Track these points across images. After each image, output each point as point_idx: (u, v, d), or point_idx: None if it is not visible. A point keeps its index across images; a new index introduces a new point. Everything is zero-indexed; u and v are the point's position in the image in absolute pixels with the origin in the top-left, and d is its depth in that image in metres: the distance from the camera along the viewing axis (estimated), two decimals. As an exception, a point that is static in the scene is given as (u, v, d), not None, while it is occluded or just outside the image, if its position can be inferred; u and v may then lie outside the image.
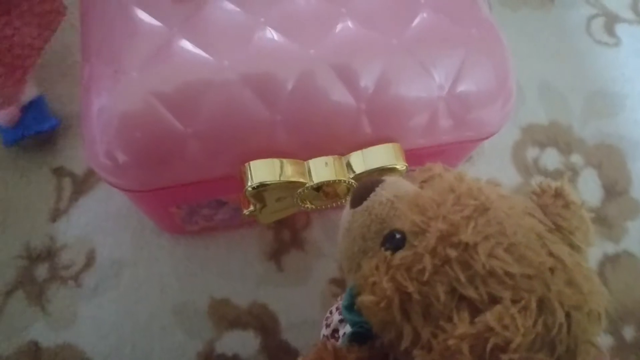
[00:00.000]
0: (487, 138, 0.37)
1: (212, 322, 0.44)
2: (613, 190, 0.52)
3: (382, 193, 0.25)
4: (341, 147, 0.33)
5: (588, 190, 0.52)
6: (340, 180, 0.33)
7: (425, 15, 0.34)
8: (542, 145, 0.54)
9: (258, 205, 0.35)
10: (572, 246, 0.23)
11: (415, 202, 0.24)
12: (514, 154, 0.53)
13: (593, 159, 0.53)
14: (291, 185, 0.33)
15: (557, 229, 0.23)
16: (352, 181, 0.33)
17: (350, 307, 0.25)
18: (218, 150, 0.32)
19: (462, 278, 0.21)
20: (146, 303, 0.45)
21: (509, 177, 0.52)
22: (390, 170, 0.33)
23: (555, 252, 0.21)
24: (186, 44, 0.31)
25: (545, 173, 0.52)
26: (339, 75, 0.32)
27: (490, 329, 0.19)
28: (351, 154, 0.34)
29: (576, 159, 0.53)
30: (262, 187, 0.32)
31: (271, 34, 0.32)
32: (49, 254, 0.46)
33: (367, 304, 0.23)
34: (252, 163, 0.32)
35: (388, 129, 0.34)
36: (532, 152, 0.53)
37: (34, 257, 0.45)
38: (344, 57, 0.32)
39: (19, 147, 0.49)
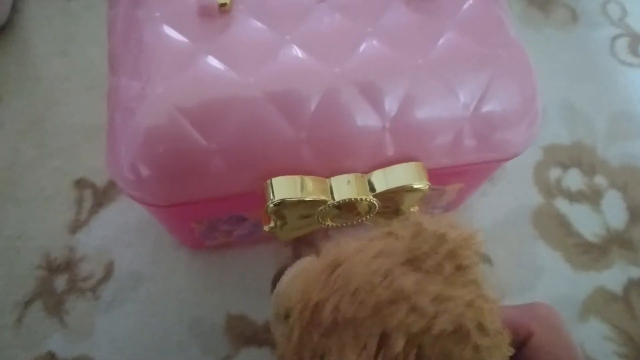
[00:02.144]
0: (511, 158, 0.36)
1: (229, 338, 0.44)
2: (638, 212, 0.51)
3: (283, 279, 0.28)
4: (363, 165, 0.33)
5: (612, 212, 0.51)
6: (361, 199, 0.33)
7: (450, 35, 0.33)
8: (565, 166, 0.53)
9: (279, 222, 0.34)
10: (428, 269, 0.22)
11: (297, 284, 0.24)
12: (535, 174, 0.52)
13: (618, 181, 0.52)
14: (312, 203, 0.32)
15: (414, 258, 0.22)
16: (374, 199, 0.33)
17: None
18: (241, 166, 0.32)
19: (315, 338, 0.21)
20: (163, 317, 0.45)
21: (530, 197, 0.52)
22: (413, 189, 0.33)
23: (397, 285, 0.21)
24: (212, 61, 0.31)
25: (568, 194, 0.52)
26: (363, 93, 0.32)
27: None
28: (373, 172, 0.33)
29: (600, 180, 0.52)
30: (283, 204, 0.32)
31: (296, 51, 0.32)
32: (68, 265, 0.46)
33: None
34: (274, 180, 0.32)
35: (411, 148, 0.33)
36: (554, 173, 0.53)
37: (53, 268, 0.46)
38: (369, 76, 0.32)
39: (41, 157, 0.49)
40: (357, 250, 0.23)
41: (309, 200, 0.32)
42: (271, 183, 0.32)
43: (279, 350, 0.25)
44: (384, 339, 0.20)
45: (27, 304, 0.44)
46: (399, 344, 0.20)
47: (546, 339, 0.24)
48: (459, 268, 0.22)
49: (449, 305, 0.21)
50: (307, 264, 0.27)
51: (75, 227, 0.47)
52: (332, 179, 0.33)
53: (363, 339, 0.20)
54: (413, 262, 0.22)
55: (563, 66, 0.58)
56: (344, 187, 0.33)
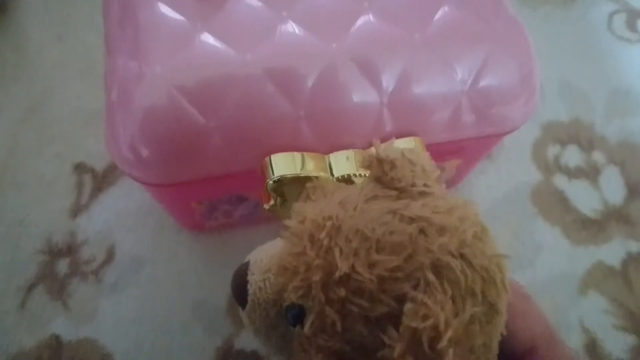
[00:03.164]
0: (509, 133, 0.37)
1: (231, 318, 0.44)
2: (636, 188, 0.51)
3: (254, 279, 0.24)
4: (362, 141, 0.33)
5: (610, 188, 0.51)
6: (361, 175, 0.33)
7: (447, 9, 0.33)
8: (563, 143, 0.53)
9: (279, 200, 0.34)
10: (423, 195, 0.22)
11: (282, 266, 0.23)
12: (534, 152, 0.53)
13: (616, 157, 0.53)
14: (312, 179, 0.33)
15: (401, 191, 0.22)
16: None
17: None
18: (240, 144, 0.32)
19: (365, 304, 0.20)
20: (165, 299, 0.45)
21: (529, 174, 0.52)
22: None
23: (413, 215, 0.21)
24: (209, 38, 0.31)
25: (567, 170, 0.52)
26: (361, 69, 0.32)
27: (415, 330, 0.18)
28: (372, 147, 0.33)
29: (598, 156, 0.53)
30: (282, 180, 0.32)
31: (293, 28, 0.32)
32: (69, 250, 0.46)
33: None
34: (273, 157, 0.32)
35: (409, 123, 0.33)
36: (552, 150, 0.53)
37: (55, 253, 0.46)
38: (366, 51, 0.32)
39: (40, 143, 0.49)
40: (338, 205, 0.22)
41: (308, 177, 0.32)
42: (270, 160, 0.32)
43: (295, 356, 0.23)
44: (436, 269, 0.19)
45: (30, 288, 0.44)
46: (455, 263, 0.19)
47: None
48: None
49: (459, 212, 0.21)
50: (271, 252, 0.25)
51: (76, 211, 0.47)
52: (331, 155, 0.33)
53: (416, 277, 0.19)
54: (405, 190, 0.22)
55: (561, 43, 0.58)
56: (342, 163, 0.33)
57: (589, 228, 0.50)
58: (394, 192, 0.23)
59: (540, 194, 0.51)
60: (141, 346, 0.43)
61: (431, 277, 0.19)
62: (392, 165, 0.23)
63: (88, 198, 0.48)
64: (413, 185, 0.22)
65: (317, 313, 0.21)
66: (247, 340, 0.44)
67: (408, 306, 0.19)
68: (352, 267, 0.20)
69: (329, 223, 0.22)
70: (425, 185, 0.23)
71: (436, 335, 0.18)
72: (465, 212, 0.21)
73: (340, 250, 0.20)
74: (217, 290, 0.45)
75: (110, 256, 0.46)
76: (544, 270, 0.48)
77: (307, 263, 0.21)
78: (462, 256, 0.20)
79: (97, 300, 0.45)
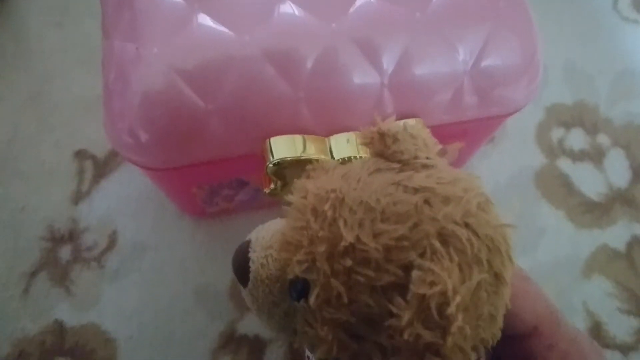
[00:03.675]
0: (512, 114, 0.36)
1: (234, 303, 0.44)
2: (641, 171, 0.51)
3: (256, 256, 0.24)
4: (363, 123, 0.33)
5: (615, 171, 0.51)
6: (361, 157, 0.33)
7: (448, -13, 0.33)
8: (567, 126, 0.53)
9: (279, 184, 0.34)
10: (426, 167, 0.22)
11: (285, 241, 0.23)
12: (538, 135, 0.52)
13: (621, 140, 0.52)
14: (312, 162, 0.32)
15: (404, 164, 0.22)
16: (375, 158, 0.33)
17: None
18: (239, 127, 0.32)
19: (371, 273, 0.20)
20: (168, 285, 0.45)
21: (532, 158, 0.51)
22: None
23: (417, 186, 0.21)
24: (206, 20, 0.30)
25: (571, 153, 0.51)
26: (361, 49, 0.31)
27: (423, 297, 0.18)
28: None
29: (603, 139, 0.52)
30: (282, 163, 0.31)
31: (292, 8, 0.31)
32: (71, 236, 0.46)
33: (323, 356, 0.22)
34: (272, 139, 0.31)
35: (411, 104, 0.33)
36: (556, 133, 0.52)
37: (57, 239, 0.46)
38: (366, 31, 0.31)
39: (40, 130, 0.49)
40: (341, 178, 0.22)
41: (308, 160, 0.32)
42: (270, 143, 0.31)
43: (300, 331, 0.23)
44: (441, 238, 0.19)
45: (33, 274, 0.45)
46: (460, 231, 0.19)
47: None
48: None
49: (463, 183, 0.21)
50: (273, 229, 0.25)
51: (78, 198, 0.47)
52: (332, 137, 0.33)
53: (422, 246, 0.19)
54: (408, 163, 0.22)
55: (565, 25, 0.57)
56: (343, 146, 0.32)
57: (593, 211, 0.49)
58: (396, 165, 0.22)
59: (544, 177, 0.50)
60: (144, 331, 0.43)
61: (437, 245, 0.19)
62: (394, 138, 0.23)
63: (89, 185, 0.48)
64: (416, 157, 0.22)
65: (322, 285, 0.21)
66: (250, 325, 0.44)
67: (415, 273, 0.19)
68: (357, 237, 0.20)
69: (332, 195, 0.21)
70: (427, 158, 0.23)
71: (444, 302, 0.18)
72: (469, 183, 0.21)
73: (345, 221, 0.20)
74: (219, 276, 0.45)
75: (112, 242, 0.46)
76: (548, 254, 0.48)
77: (311, 236, 0.21)
78: (467, 225, 0.20)
79: (100, 287, 0.45)
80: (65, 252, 0.46)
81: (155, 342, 0.43)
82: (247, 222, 0.47)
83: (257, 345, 0.43)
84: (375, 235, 0.20)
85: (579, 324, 0.45)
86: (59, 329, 0.43)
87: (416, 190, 0.20)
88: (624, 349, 0.45)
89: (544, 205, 0.49)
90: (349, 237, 0.20)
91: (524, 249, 0.48)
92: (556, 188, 0.50)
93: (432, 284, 0.18)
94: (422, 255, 0.19)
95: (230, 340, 0.43)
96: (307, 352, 0.30)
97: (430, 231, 0.19)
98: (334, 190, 0.22)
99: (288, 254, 0.22)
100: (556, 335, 0.24)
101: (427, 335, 0.18)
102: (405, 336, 0.18)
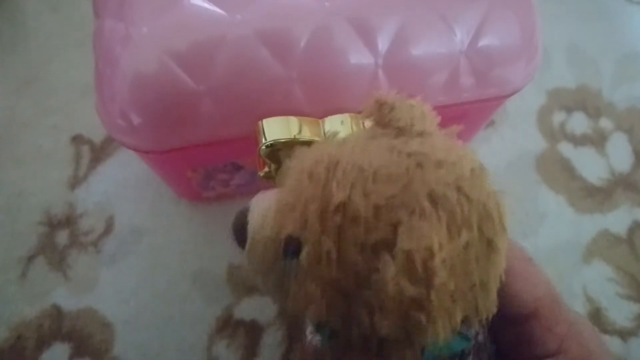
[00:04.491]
0: (511, 95, 0.35)
1: (230, 288, 0.44)
2: (644, 155, 0.50)
3: (254, 218, 0.25)
4: (357, 105, 0.32)
5: (617, 155, 0.50)
6: (357, 139, 0.32)
7: (445, -35, 0.32)
8: (569, 110, 0.52)
9: (273, 166, 0.34)
10: (422, 134, 0.22)
11: (281, 203, 0.23)
12: (539, 119, 0.51)
13: (624, 124, 0.51)
14: (306, 144, 0.32)
15: (400, 131, 0.23)
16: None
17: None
18: (232, 108, 0.31)
19: (361, 231, 0.20)
20: (165, 270, 0.45)
21: (533, 142, 0.51)
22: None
23: (410, 150, 0.21)
24: (197, -2, 0.30)
25: (573, 138, 0.51)
26: (355, 29, 0.31)
27: (409, 252, 0.18)
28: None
29: (605, 123, 0.51)
30: (276, 145, 0.31)
31: (284, -14, 0.31)
32: (68, 221, 0.46)
33: (313, 318, 0.22)
34: (265, 121, 0.31)
35: (406, 85, 0.32)
36: (558, 117, 0.51)
37: (54, 224, 0.46)
38: (361, 11, 0.31)
39: (37, 115, 0.49)
40: (341, 143, 0.23)
41: (302, 141, 0.31)
42: (262, 124, 0.31)
43: (292, 291, 0.23)
44: (431, 198, 0.19)
45: (30, 259, 0.45)
46: (450, 193, 0.19)
47: None
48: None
49: (458, 151, 0.21)
50: (274, 194, 0.25)
51: (74, 183, 0.47)
52: (326, 119, 0.32)
53: (411, 205, 0.19)
54: (404, 131, 0.22)
55: (568, 6, 0.56)
56: (337, 127, 0.32)
57: (594, 196, 0.49)
58: (392, 132, 0.23)
59: (545, 161, 0.50)
60: (141, 316, 0.43)
61: (426, 204, 0.19)
62: (392, 107, 0.23)
63: (86, 169, 0.48)
64: (412, 125, 0.23)
65: (313, 243, 0.21)
66: (247, 310, 0.44)
67: (402, 229, 0.19)
68: (348, 196, 0.20)
69: (327, 157, 0.22)
70: (424, 127, 0.23)
71: (429, 256, 0.18)
72: (464, 151, 0.21)
73: (337, 182, 0.21)
74: (216, 260, 0.45)
75: (109, 227, 0.46)
76: (549, 238, 0.47)
77: (304, 196, 0.22)
78: (459, 189, 0.20)
79: (97, 271, 0.45)
80: (62, 236, 0.45)
81: (152, 327, 0.43)
82: (243, 205, 0.47)
83: (254, 330, 0.43)
84: (366, 195, 0.20)
85: (579, 309, 0.45)
86: (57, 313, 0.43)
87: (410, 155, 0.21)
88: (624, 334, 0.44)
89: (545, 190, 0.49)
90: (340, 195, 0.20)
91: (524, 234, 0.47)
92: (557, 173, 0.49)
93: (417, 239, 0.18)
94: (411, 214, 0.19)
95: (227, 324, 0.43)
96: (307, 331, 0.30)
97: (420, 192, 0.19)
98: (329, 154, 0.22)
99: (283, 215, 0.23)
100: (556, 319, 0.23)
101: (411, 290, 0.18)
102: (390, 289, 0.18)
